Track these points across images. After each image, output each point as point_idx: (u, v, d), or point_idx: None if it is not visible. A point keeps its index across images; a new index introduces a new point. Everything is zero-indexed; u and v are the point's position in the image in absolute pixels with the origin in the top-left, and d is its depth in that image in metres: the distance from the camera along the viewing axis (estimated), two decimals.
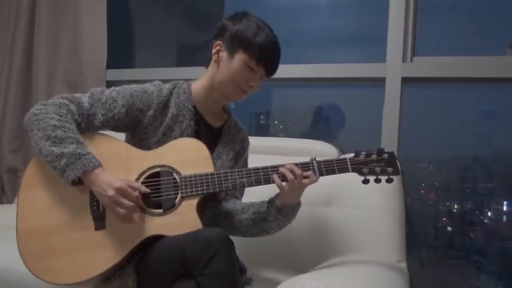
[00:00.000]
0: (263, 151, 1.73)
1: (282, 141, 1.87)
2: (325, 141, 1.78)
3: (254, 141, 1.73)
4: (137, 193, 1.14)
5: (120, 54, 2.50)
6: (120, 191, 1.11)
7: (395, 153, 1.68)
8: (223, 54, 1.27)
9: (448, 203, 2.04)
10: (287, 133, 2.38)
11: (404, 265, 1.44)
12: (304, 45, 2.24)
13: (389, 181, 1.21)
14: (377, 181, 1.20)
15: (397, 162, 1.23)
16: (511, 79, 1.71)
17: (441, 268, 1.98)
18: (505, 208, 1.91)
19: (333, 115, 2.25)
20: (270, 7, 2.43)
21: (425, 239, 2.03)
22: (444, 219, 2.06)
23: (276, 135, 2.35)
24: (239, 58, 1.24)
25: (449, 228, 2.04)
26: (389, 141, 1.81)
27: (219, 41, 1.28)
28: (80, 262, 1.14)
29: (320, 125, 2.27)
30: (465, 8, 1.98)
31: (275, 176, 1.18)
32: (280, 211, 1.24)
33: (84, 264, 1.14)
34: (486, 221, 1.95)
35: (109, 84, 2.31)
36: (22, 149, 2.44)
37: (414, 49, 1.86)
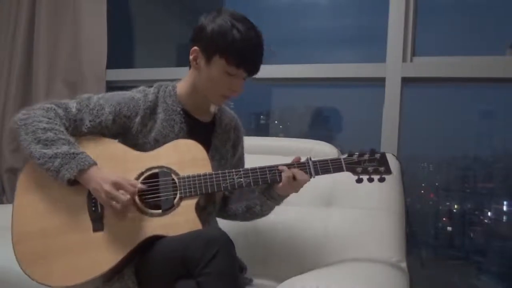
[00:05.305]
0: (263, 151, 1.72)
1: (282, 141, 1.87)
2: (325, 141, 1.78)
3: (254, 141, 1.74)
4: (133, 188, 1.12)
5: (120, 54, 2.50)
6: (116, 185, 1.10)
7: (395, 154, 1.69)
8: (201, 61, 1.20)
9: (448, 203, 2.04)
10: (287, 133, 2.38)
11: (404, 265, 1.44)
12: (304, 45, 2.24)
13: (381, 180, 1.22)
14: (370, 180, 1.22)
15: (388, 162, 1.24)
16: (511, 79, 1.71)
17: (441, 268, 1.98)
18: (505, 208, 1.91)
19: (333, 115, 2.25)
20: (270, 7, 2.43)
21: (425, 239, 2.04)
22: (444, 219, 2.06)
23: (276, 135, 2.35)
24: (217, 65, 1.17)
25: (449, 228, 2.04)
26: (389, 141, 1.81)
27: (195, 47, 1.20)
28: (78, 264, 1.12)
29: (320, 125, 2.27)
30: (465, 8, 1.99)
31: (285, 176, 1.18)
32: (275, 200, 1.27)
33: (82, 266, 1.12)
34: (486, 221, 1.95)
35: (109, 84, 2.31)
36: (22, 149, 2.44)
37: (414, 49, 1.86)
